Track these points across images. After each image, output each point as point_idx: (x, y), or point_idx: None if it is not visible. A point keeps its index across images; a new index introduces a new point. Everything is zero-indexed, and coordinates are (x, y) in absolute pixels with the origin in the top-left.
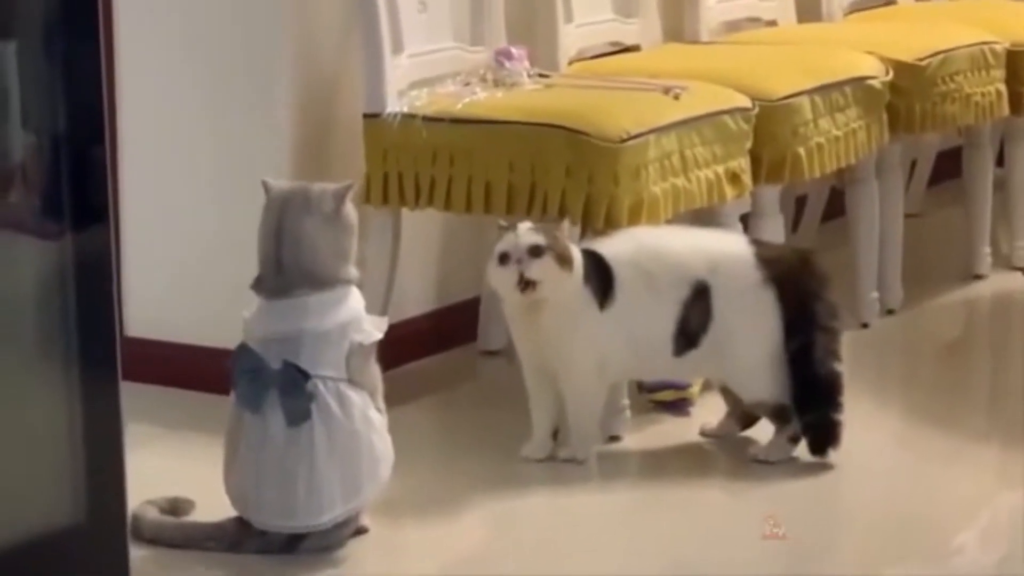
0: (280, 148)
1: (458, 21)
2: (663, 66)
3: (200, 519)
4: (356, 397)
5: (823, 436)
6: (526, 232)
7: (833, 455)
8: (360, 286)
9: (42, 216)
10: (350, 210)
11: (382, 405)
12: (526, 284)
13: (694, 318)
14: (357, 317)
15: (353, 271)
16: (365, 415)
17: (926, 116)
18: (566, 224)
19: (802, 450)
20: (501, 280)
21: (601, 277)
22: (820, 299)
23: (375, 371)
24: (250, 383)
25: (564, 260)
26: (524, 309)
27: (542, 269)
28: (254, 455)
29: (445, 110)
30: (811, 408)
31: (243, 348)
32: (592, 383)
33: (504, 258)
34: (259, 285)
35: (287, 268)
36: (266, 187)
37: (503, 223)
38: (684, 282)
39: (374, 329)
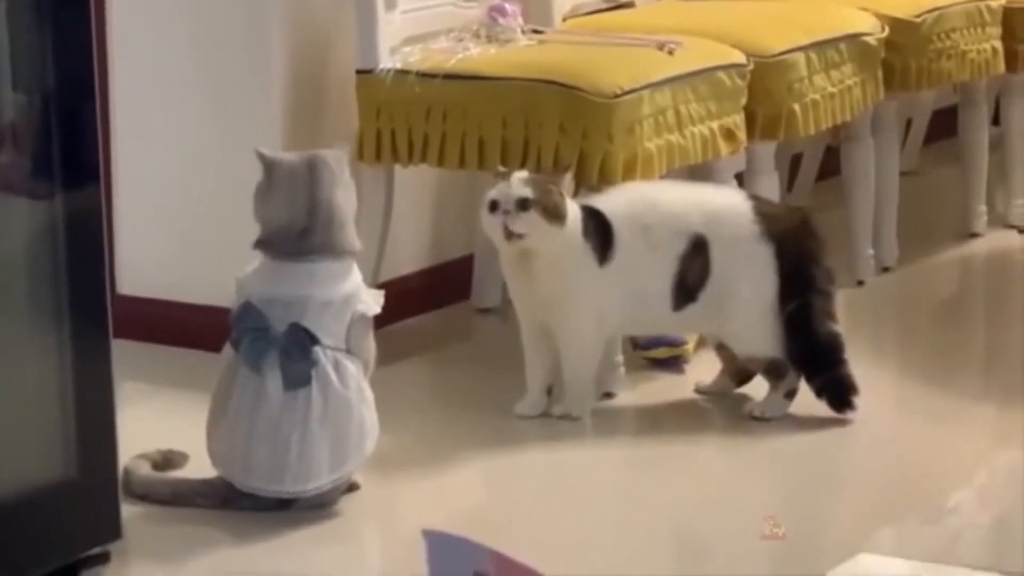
0: (273, 105)
1: None
2: (658, 22)
3: (191, 475)
4: (352, 368)
5: (841, 392)
6: (518, 183)
7: (857, 405)
8: None
9: (33, 176)
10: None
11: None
12: (511, 235)
13: (692, 272)
14: (359, 289)
15: (358, 242)
16: (360, 386)
17: (922, 73)
18: (568, 177)
19: (796, 407)
20: (490, 226)
21: (600, 233)
22: (817, 262)
23: (372, 345)
24: (253, 342)
25: (552, 214)
26: (518, 262)
27: (527, 223)
28: (247, 417)
29: (438, 66)
30: (820, 370)
31: (248, 306)
32: (589, 339)
33: (494, 206)
34: (268, 247)
35: (314, 235)
36: (264, 157)
37: (501, 169)
38: (682, 236)
39: (374, 302)
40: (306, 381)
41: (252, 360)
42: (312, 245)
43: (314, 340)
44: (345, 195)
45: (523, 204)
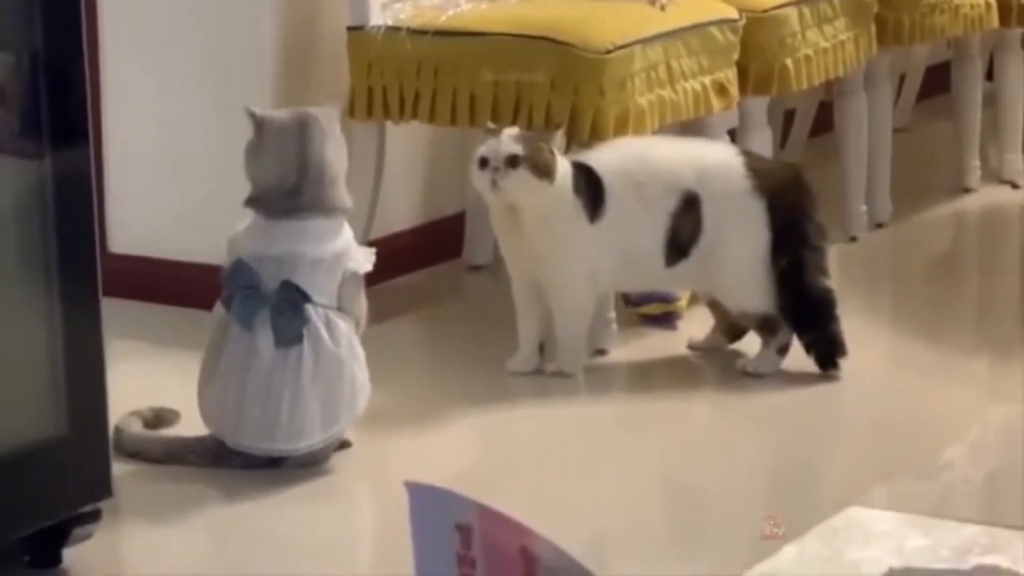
0: (264, 62)
1: None
2: None
3: (183, 433)
4: (344, 325)
5: (828, 350)
6: (507, 140)
7: (843, 365)
8: None
9: (22, 134)
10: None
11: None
12: (498, 188)
13: (685, 228)
14: (350, 247)
15: (349, 200)
16: (351, 344)
17: (915, 27)
18: (559, 134)
19: (789, 363)
20: (480, 182)
21: (591, 189)
22: (810, 217)
23: (363, 303)
24: (244, 300)
25: (542, 171)
26: (509, 220)
27: (515, 180)
28: (238, 374)
29: (430, 22)
30: (809, 327)
31: (240, 264)
32: (582, 296)
33: (483, 162)
34: (260, 205)
35: (305, 193)
36: (255, 115)
37: (491, 126)
38: (674, 192)
39: (365, 260)
40: (298, 339)
41: (243, 318)
42: (303, 203)
43: (306, 298)
44: (336, 152)
45: (512, 161)
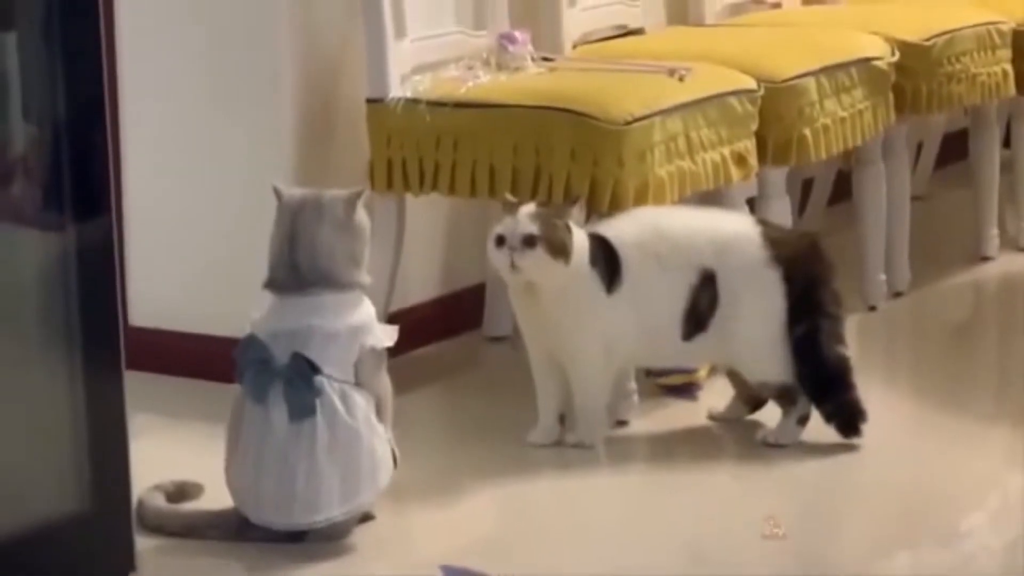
0: (284, 134)
1: (461, 5)
2: (668, 48)
3: (206, 507)
4: (361, 400)
5: (849, 417)
6: (524, 219)
7: (865, 431)
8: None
9: (44, 206)
10: (361, 216)
11: (390, 421)
12: (516, 268)
13: (703, 300)
14: (369, 322)
15: (366, 277)
16: (368, 418)
17: (932, 96)
18: (577, 208)
19: (809, 432)
20: (497, 260)
21: (608, 260)
22: (826, 286)
23: (385, 381)
24: (257, 374)
25: (557, 250)
26: (526, 294)
27: (533, 260)
28: (255, 449)
29: (449, 94)
30: (828, 395)
31: (251, 339)
32: (599, 368)
33: (500, 240)
34: (272, 283)
35: (302, 269)
36: (278, 193)
37: (511, 198)
38: (691, 264)
39: (385, 336)
40: (311, 411)
41: (255, 392)
42: (308, 279)
43: (315, 369)
44: (337, 233)
45: (529, 241)
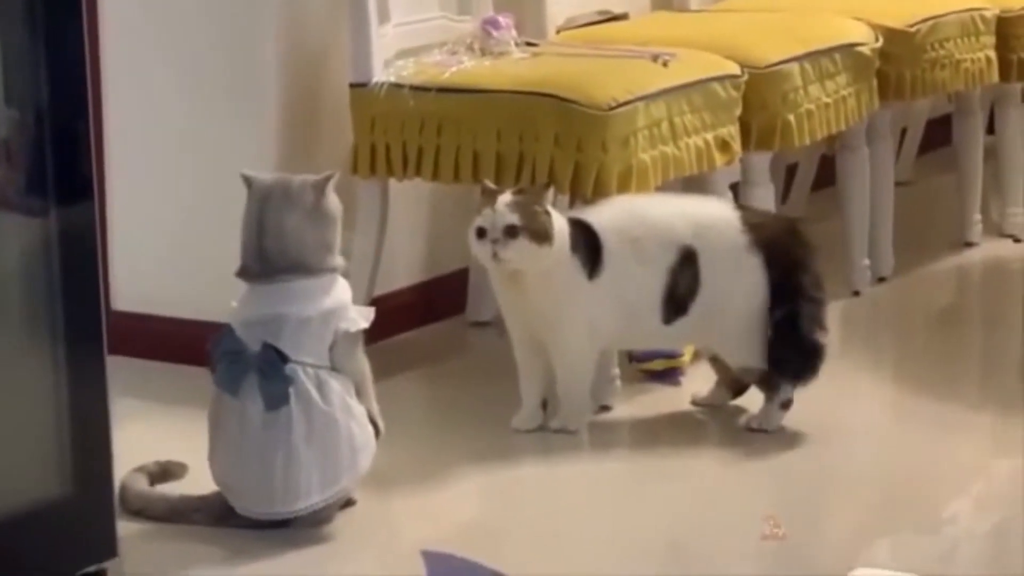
0: (267, 119)
1: None
2: (651, 34)
3: (188, 489)
4: (336, 384)
5: (800, 367)
6: (503, 209)
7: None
8: (348, 258)
9: (26, 191)
10: (332, 200)
11: (372, 396)
12: (500, 259)
13: (683, 284)
14: (343, 305)
15: (339, 260)
16: (345, 403)
17: (916, 82)
18: (551, 192)
19: (792, 418)
20: (479, 252)
21: (589, 246)
22: (806, 269)
23: (362, 361)
24: (229, 366)
25: (540, 237)
26: (509, 279)
27: (516, 250)
28: (233, 440)
29: (432, 79)
30: (789, 374)
31: (224, 331)
32: (582, 353)
33: (481, 232)
34: (243, 272)
35: (271, 256)
36: (248, 180)
37: (490, 185)
38: (671, 248)
39: (360, 318)
40: (284, 400)
41: (228, 384)
42: (278, 266)
43: (285, 358)
44: (307, 219)
45: (510, 231)
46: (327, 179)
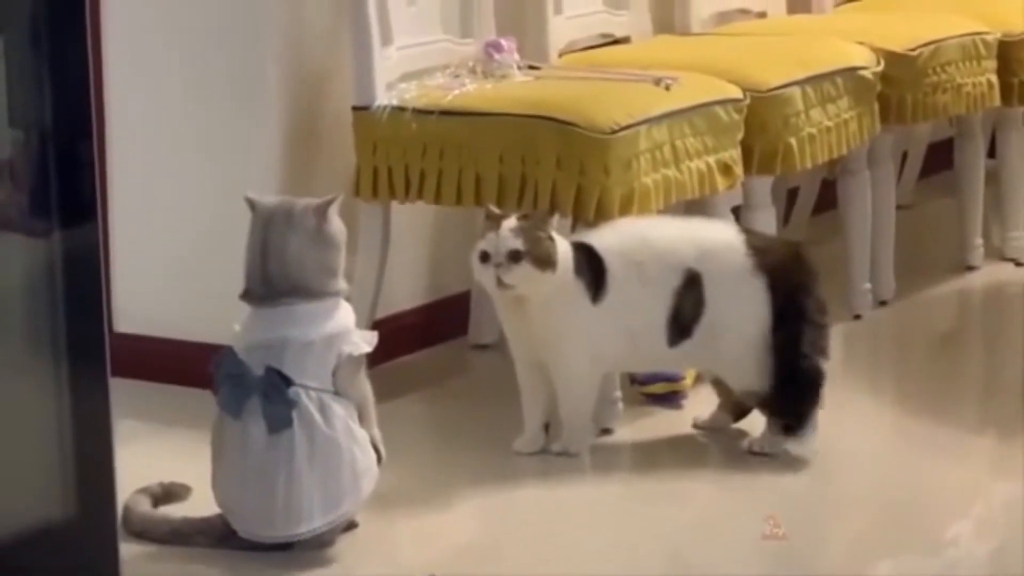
0: (269, 142)
1: (447, 13)
2: (654, 57)
3: (191, 511)
4: (339, 409)
5: (795, 421)
6: (507, 234)
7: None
8: (350, 281)
9: (30, 213)
10: (335, 225)
11: (374, 421)
12: (503, 285)
13: (687, 307)
14: (346, 329)
15: (342, 284)
16: (348, 427)
17: (917, 106)
18: (555, 218)
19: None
20: (483, 276)
21: (593, 269)
22: (809, 293)
23: (365, 385)
24: (232, 388)
25: (543, 263)
26: (512, 303)
27: (520, 275)
28: (235, 462)
29: (435, 102)
30: (790, 400)
31: (227, 353)
32: (585, 377)
33: (485, 257)
34: (247, 295)
35: (274, 280)
36: (251, 203)
37: (494, 209)
38: (675, 271)
39: (363, 342)
40: (287, 423)
41: (231, 407)
42: (281, 290)
43: (288, 382)
44: (309, 242)
45: (514, 256)
46: (328, 203)
